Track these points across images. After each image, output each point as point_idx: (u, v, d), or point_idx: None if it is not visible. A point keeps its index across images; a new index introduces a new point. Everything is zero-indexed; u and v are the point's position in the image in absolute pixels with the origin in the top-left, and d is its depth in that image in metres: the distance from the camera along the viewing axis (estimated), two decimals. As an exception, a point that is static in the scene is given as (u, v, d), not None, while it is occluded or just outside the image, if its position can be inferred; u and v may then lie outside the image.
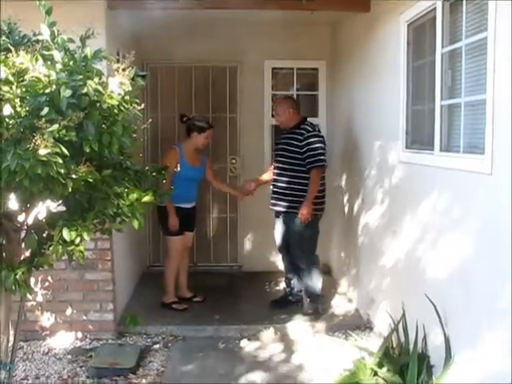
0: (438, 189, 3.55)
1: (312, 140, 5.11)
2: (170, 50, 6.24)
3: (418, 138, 4.02)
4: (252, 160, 6.65)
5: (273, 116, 6.76)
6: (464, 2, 3.26)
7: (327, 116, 6.62)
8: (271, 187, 5.40)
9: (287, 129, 5.31)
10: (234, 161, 6.74)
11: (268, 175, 5.58)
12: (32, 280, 4.46)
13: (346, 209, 5.47)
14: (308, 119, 5.35)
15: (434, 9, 3.60)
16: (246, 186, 5.73)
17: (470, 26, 3.20)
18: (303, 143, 5.10)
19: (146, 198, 3.02)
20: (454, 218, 3.32)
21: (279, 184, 5.27)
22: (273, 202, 5.36)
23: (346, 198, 5.60)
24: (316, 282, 5.25)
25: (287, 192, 5.19)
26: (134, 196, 2.98)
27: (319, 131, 5.30)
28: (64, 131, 2.55)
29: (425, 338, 3.67)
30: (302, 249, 5.22)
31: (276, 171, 5.34)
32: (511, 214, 2.70)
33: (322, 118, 6.65)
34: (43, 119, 2.53)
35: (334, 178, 5.96)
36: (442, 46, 3.52)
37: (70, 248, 2.85)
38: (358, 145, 5.30)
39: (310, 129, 5.18)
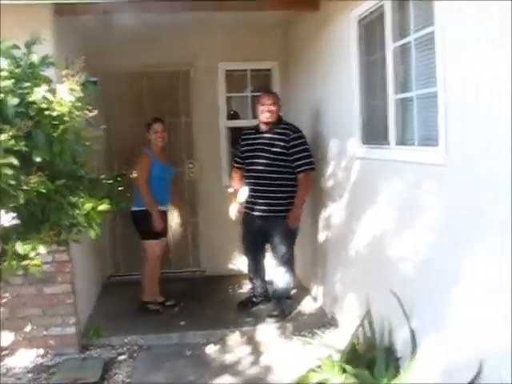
0: (397, 182, 3.58)
1: (300, 141, 4.97)
2: (121, 57, 6.13)
3: (374, 133, 4.05)
4: (209, 163, 6.62)
5: (233, 117, 6.78)
6: (411, -3, 3.30)
7: (282, 116, 6.61)
8: (248, 191, 5.25)
9: (262, 129, 5.11)
10: (191, 165, 6.68)
11: (238, 182, 5.41)
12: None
13: (310, 206, 5.47)
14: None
15: (383, 5, 3.63)
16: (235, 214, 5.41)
17: (417, 21, 3.24)
18: (290, 144, 4.95)
19: (102, 207, 2.95)
20: (412, 211, 3.35)
21: (258, 188, 5.10)
22: (250, 206, 5.20)
23: (310, 196, 5.57)
24: (289, 283, 5.23)
25: (268, 195, 5.04)
26: (89, 205, 2.91)
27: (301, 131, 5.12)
28: (13, 141, 2.46)
29: (390, 331, 3.69)
30: (282, 251, 5.15)
31: (253, 174, 5.14)
32: (466, 202, 2.74)
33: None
34: (-10, 129, 2.45)
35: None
36: (393, 41, 3.56)
37: (25, 262, 2.76)
38: (315, 143, 5.31)
39: (293, 128, 5.06)
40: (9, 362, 4.57)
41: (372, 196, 3.96)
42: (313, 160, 4.99)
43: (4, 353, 4.61)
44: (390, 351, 3.60)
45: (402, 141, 3.54)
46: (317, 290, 5.64)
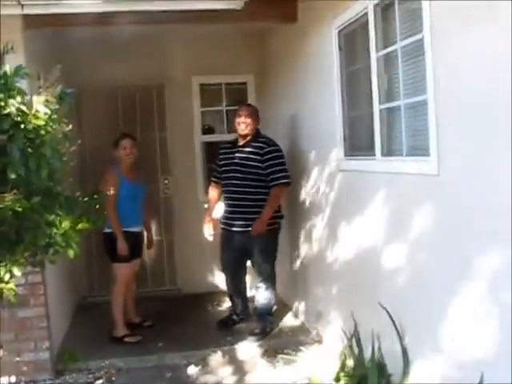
0: (383, 194, 3.50)
1: (275, 155, 4.89)
2: (95, 71, 5.98)
3: (358, 144, 3.98)
4: (185, 179, 6.50)
5: (208, 132, 6.66)
6: (396, 5, 3.24)
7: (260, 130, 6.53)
8: (224, 206, 5.17)
9: (240, 142, 5.04)
10: (166, 181, 6.53)
11: (214, 198, 5.31)
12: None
13: (289, 221, 5.38)
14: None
15: (366, 13, 3.57)
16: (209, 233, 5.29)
17: (404, 29, 3.18)
18: (264, 157, 4.86)
19: (81, 226, 2.81)
20: (401, 223, 3.27)
21: (234, 203, 5.01)
22: (228, 222, 5.08)
23: (288, 210, 5.48)
24: (270, 300, 5.11)
25: (245, 210, 4.93)
26: (67, 224, 2.77)
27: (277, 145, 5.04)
28: (-15, 156, 2.31)
29: (379, 346, 3.59)
30: (262, 268, 5.05)
31: (229, 189, 5.05)
32: (460, 214, 2.67)
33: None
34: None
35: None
36: (377, 50, 3.49)
37: (-1, 286, 2.59)
38: (295, 156, 5.22)
39: (269, 142, 4.97)
40: (-21, 390, 4.36)
41: (357, 208, 3.87)
42: (287, 174, 4.91)
43: (-26, 381, 4.39)
44: (380, 367, 3.50)
45: (389, 152, 3.47)
46: (298, 306, 5.53)
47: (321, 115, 4.54)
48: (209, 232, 5.25)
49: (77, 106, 5.01)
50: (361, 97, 3.86)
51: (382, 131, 3.52)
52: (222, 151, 5.27)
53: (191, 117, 6.56)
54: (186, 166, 6.51)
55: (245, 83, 6.63)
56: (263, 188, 4.89)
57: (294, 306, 5.65)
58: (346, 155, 4.10)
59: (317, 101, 4.62)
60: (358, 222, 3.90)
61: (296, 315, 5.56)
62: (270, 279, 5.08)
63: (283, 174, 4.88)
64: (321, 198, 4.64)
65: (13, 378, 4.43)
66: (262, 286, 5.07)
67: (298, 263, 5.42)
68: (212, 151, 6.30)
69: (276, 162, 4.88)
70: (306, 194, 5.02)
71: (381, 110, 3.51)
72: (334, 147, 4.23)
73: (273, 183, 4.86)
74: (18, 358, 4.43)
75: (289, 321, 5.47)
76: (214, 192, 5.32)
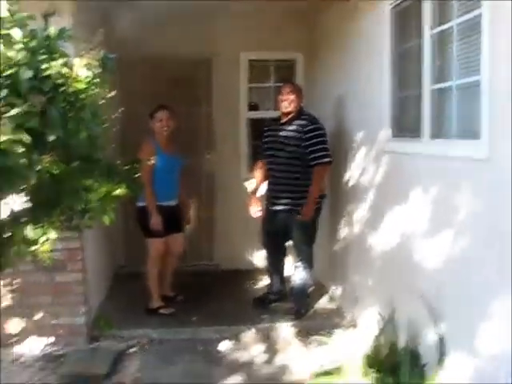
0: (429, 177, 3.38)
1: (317, 133, 4.81)
2: (142, 42, 5.96)
3: (406, 125, 3.85)
4: (228, 155, 6.46)
5: (252, 108, 6.59)
6: (454, -20, 3.09)
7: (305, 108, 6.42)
8: (267, 185, 5.13)
9: (282, 120, 4.97)
10: (209, 156, 6.51)
11: (258, 177, 5.22)
12: (-3, 284, 4.22)
13: (330, 203, 5.28)
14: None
15: (421, -10, 3.43)
16: (254, 210, 5.18)
17: (461, 5, 3.02)
18: (306, 136, 4.79)
19: (118, 192, 2.79)
20: (447, 210, 3.14)
21: (278, 181, 4.97)
22: (272, 201, 5.05)
23: (330, 192, 5.39)
24: (307, 281, 5.06)
25: (288, 189, 4.90)
26: (104, 190, 2.76)
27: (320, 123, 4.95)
28: (25, 117, 2.30)
29: (415, 335, 3.49)
30: (301, 246, 5.01)
31: (273, 167, 5.01)
32: (510, 201, 2.53)
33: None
34: (2, 103, 2.29)
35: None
36: (431, 28, 3.35)
37: (34, 248, 2.61)
38: (341, 136, 5.11)
39: (312, 120, 4.90)
40: (18, 349, 4.46)
41: (401, 192, 3.75)
42: (328, 153, 4.81)
43: (13, 340, 4.48)
44: (414, 356, 3.42)
45: (438, 134, 3.33)
46: (336, 290, 5.45)
47: (369, 95, 4.41)
48: (255, 211, 5.18)
49: (122, 74, 4.98)
50: (411, 77, 3.72)
51: (431, 112, 3.38)
52: (266, 129, 5.21)
53: (238, 93, 6.50)
54: (230, 142, 6.47)
55: (293, 61, 6.52)
56: (305, 167, 4.81)
57: (331, 289, 5.58)
58: (393, 137, 3.98)
59: (366, 80, 4.49)
60: (401, 205, 3.79)
61: (332, 298, 5.48)
62: (307, 260, 5.03)
63: (324, 152, 4.80)
64: (365, 179, 4.52)
65: (50, 340, 4.52)
66: (300, 266, 5.02)
67: (337, 246, 5.33)
68: (257, 128, 6.23)
69: (318, 140, 4.80)
70: (349, 175, 4.91)
71: (431, 91, 3.37)
72: (380, 128, 4.11)
73: (314, 162, 4.78)
74: (54, 321, 4.52)
75: (325, 303, 5.40)
76: (259, 171, 5.25)
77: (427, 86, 3.40)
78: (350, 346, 4.05)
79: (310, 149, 4.78)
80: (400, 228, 3.82)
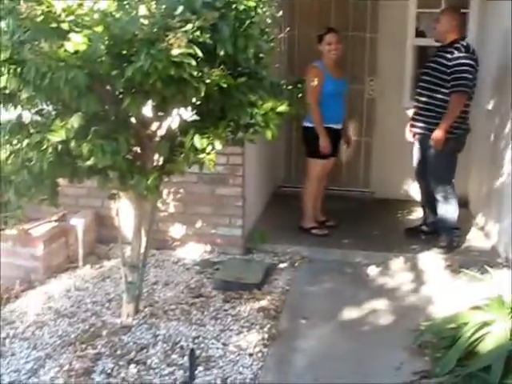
0: None
1: (461, 61, 4.63)
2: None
3: None
4: (391, 82, 6.27)
5: (419, 35, 6.32)
6: None
7: (477, 37, 6.01)
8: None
9: (440, 47, 4.87)
10: (371, 82, 6.39)
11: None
12: (164, 192, 4.61)
13: (492, 136, 5.00)
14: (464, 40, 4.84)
15: None
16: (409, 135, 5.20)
17: None
18: (451, 63, 4.65)
19: (282, 108, 2.90)
20: None
21: (418, 104, 4.93)
22: (412, 122, 5.05)
23: (492, 124, 5.11)
24: (451, 213, 4.93)
25: (425, 112, 4.85)
26: (268, 105, 2.88)
27: (473, 53, 4.73)
28: (198, 32, 2.45)
29: None
30: (435, 176, 4.90)
31: (418, 91, 4.99)
32: None
33: (470, 39, 6.03)
34: (177, 19, 2.44)
35: (481, 101, 5.45)
36: None
37: (200, 156, 2.82)
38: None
39: (462, 49, 4.70)
40: (179, 252, 4.88)
41: None
42: (466, 83, 4.62)
43: (176, 243, 4.91)
44: None
45: None
46: (492, 227, 5.23)
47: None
48: (409, 136, 5.15)
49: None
50: None
51: None
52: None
53: (405, 18, 6.21)
54: (394, 68, 6.26)
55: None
56: (442, 93, 4.72)
57: (487, 226, 5.36)
58: None
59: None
60: None
61: (489, 236, 5.28)
62: (445, 192, 4.88)
63: (462, 81, 4.62)
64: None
65: (208, 247, 4.90)
66: (439, 198, 4.92)
67: (499, 181, 5.06)
68: (424, 56, 6.00)
69: (460, 69, 4.62)
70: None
71: None
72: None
73: (451, 89, 4.66)
74: (213, 231, 4.87)
75: (479, 240, 5.23)
76: None
77: None
78: (504, 285, 3.90)
79: (451, 76, 4.65)
80: None
